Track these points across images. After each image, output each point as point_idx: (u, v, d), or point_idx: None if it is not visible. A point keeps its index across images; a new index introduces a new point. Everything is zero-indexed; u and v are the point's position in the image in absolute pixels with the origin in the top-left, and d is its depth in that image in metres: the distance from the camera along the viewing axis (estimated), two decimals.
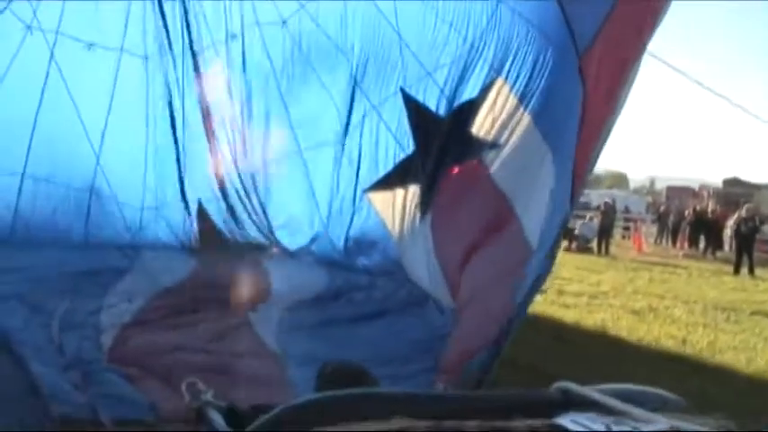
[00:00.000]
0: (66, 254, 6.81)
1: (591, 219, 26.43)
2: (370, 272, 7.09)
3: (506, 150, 5.86)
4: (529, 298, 5.31)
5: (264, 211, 7.66)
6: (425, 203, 6.48)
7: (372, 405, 1.57)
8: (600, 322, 10.34)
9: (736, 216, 22.29)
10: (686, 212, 28.83)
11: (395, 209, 6.78)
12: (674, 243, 28.86)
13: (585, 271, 17.73)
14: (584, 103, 5.04)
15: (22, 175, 6.89)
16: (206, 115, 7.41)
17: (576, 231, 24.74)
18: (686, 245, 27.53)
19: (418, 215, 6.56)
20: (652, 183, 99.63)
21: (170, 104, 7.33)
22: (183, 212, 7.58)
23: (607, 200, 27.95)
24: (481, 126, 6.07)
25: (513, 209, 5.67)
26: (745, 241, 20.48)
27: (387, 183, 6.84)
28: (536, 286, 5.33)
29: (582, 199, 48.26)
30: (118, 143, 7.23)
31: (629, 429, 1.48)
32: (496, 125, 5.94)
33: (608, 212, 25.59)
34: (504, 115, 5.88)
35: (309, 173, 7.35)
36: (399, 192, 6.75)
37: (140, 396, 4.87)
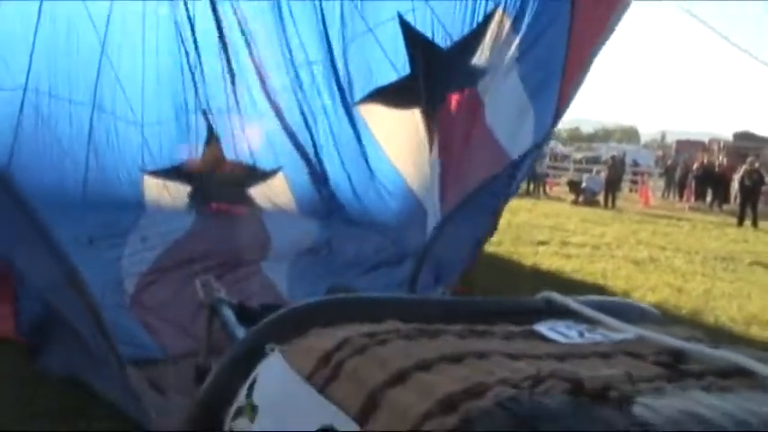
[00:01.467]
0: (73, 210, 6.76)
1: (598, 172, 26.54)
2: (360, 224, 7.27)
3: (494, 76, 5.95)
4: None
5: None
6: (430, 131, 6.59)
7: (367, 309, 1.75)
8: (600, 271, 10.59)
9: (741, 169, 22.36)
10: (694, 166, 28.88)
11: (396, 132, 6.88)
12: (680, 196, 28.95)
13: (590, 223, 17.90)
14: (573, 28, 5.19)
15: (24, 89, 6.62)
16: (220, 29, 7.33)
17: (583, 185, 24.92)
18: (692, 198, 27.61)
19: (426, 144, 6.66)
20: (663, 137, 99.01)
21: (176, 21, 7.23)
22: (186, 127, 7.55)
23: (615, 153, 28.04)
24: (481, 55, 6.16)
25: (497, 140, 5.82)
26: (749, 194, 20.61)
27: (380, 98, 6.93)
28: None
29: (591, 153, 48.14)
30: (118, 57, 7.10)
31: (599, 337, 1.67)
32: (493, 52, 6.03)
33: (615, 166, 25.73)
34: (499, 42, 5.97)
35: (305, 90, 7.41)
36: (396, 112, 6.84)
37: (154, 342, 5.15)
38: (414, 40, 6.58)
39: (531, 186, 27.85)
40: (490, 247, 11.83)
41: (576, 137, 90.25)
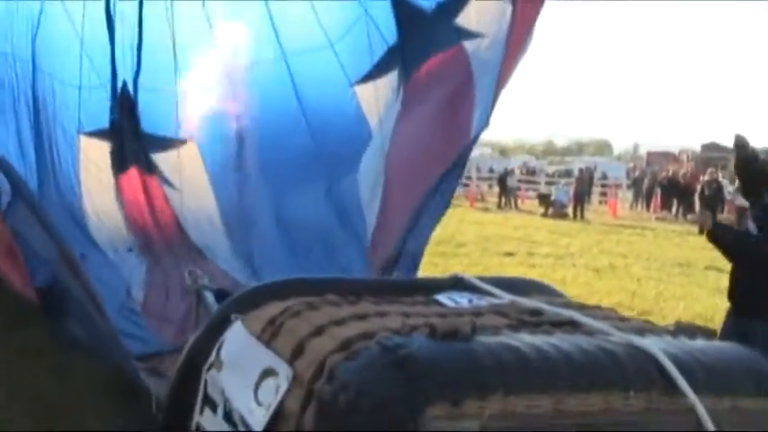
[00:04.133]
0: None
1: (567, 185, 27.23)
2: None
3: (486, 40, 6.22)
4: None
5: None
6: (399, 83, 6.75)
7: (311, 287, 2.30)
8: (560, 279, 11.12)
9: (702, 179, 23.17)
10: (660, 177, 29.64)
11: (377, 99, 6.97)
12: (647, 207, 29.67)
13: (558, 234, 18.50)
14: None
15: None
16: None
17: (552, 197, 25.56)
18: (659, 208, 28.34)
19: (393, 96, 6.83)
20: (636, 149, 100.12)
21: None
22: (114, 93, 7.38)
23: (581, 166, 28.76)
24: (468, 17, 6.34)
25: (474, 93, 6.17)
26: (708, 203, 21.34)
27: (371, 75, 6.98)
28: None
29: (563, 167, 48.74)
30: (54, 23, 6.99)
31: (483, 302, 2.19)
32: (484, 18, 6.25)
33: (583, 179, 26.45)
34: (491, 10, 6.19)
35: (294, 77, 7.34)
36: (381, 81, 6.93)
37: (162, 340, 5.64)
38: (402, 8, 6.69)
39: (503, 200, 28.52)
40: (455, 258, 12.41)
41: (549, 151, 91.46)
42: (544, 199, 26.56)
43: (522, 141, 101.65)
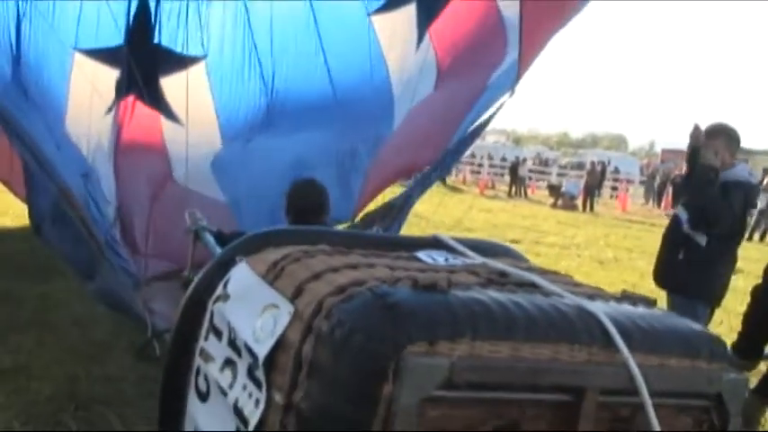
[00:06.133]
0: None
1: (579, 177, 27.42)
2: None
3: None
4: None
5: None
6: (420, 22, 6.44)
7: (305, 237, 2.60)
8: (563, 269, 11.36)
9: None
10: (673, 174, 29.69)
11: (393, 31, 6.67)
12: (658, 204, 29.80)
13: (565, 225, 18.71)
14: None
15: None
16: None
17: (563, 189, 25.76)
18: (670, 206, 28.42)
19: (415, 39, 6.52)
20: (651, 146, 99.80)
21: None
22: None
23: (593, 159, 28.90)
24: None
25: (507, 41, 5.86)
26: None
27: (388, 5, 6.64)
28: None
29: (576, 159, 48.69)
30: None
31: (458, 262, 2.46)
32: None
33: (594, 172, 26.60)
34: None
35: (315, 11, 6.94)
36: (398, 13, 6.59)
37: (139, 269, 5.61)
38: None
39: (513, 189, 28.74)
40: None
41: (563, 142, 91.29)
42: (554, 190, 26.76)
43: (536, 132, 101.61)
